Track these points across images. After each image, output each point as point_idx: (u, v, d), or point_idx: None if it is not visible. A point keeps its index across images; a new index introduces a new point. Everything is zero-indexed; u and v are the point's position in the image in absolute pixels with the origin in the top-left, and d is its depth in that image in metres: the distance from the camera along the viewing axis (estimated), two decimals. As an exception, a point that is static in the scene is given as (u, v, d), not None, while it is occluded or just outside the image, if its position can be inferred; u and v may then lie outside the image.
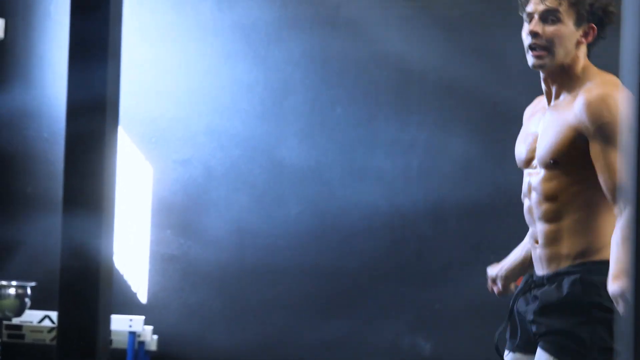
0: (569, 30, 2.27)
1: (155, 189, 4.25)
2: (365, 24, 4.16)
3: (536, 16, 2.28)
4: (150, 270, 4.25)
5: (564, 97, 2.31)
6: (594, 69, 2.32)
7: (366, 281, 4.14)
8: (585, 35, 2.29)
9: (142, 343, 4.11)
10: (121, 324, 4.05)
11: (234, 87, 4.23)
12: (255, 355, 4.18)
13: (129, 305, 4.17)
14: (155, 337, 4.19)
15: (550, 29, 2.27)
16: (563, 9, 2.27)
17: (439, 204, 4.09)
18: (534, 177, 2.33)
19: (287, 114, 4.21)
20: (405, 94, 4.16)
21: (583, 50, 2.31)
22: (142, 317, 4.11)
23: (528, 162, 2.37)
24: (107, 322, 1.16)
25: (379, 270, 4.14)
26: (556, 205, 2.27)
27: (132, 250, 4.24)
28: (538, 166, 2.32)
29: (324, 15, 4.18)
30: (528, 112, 2.51)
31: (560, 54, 2.26)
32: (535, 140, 2.35)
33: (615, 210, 2.19)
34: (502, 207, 4.02)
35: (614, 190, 2.17)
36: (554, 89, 2.33)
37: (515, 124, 3.90)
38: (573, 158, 2.24)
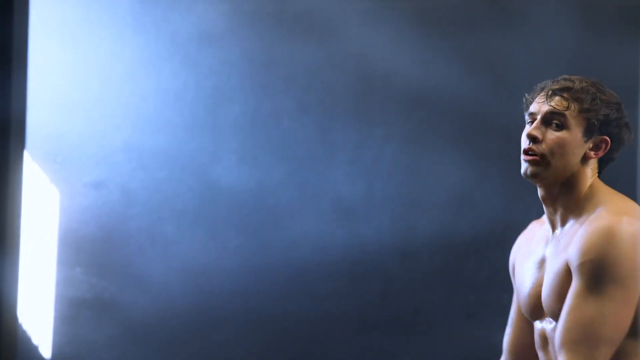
0: (575, 139, 2.28)
1: (62, 217, 4.23)
2: (318, 19, 4.18)
3: (539, 118, 2.30)
4: (55, 318, 4.22)
5: (571, 224, 2.29)
6: (606, 190, 2.30)
7: (320, 328, 4.15)
8: (596, 148, 2.30)
9: (46, 408, 4.09)
10: (20, 384, 4.02)
11: (158, 95, 4.24)
12: (185, 421, 4.16)
13: (29, 361, 4.14)
14: (63, 400, 4.18)
15: (552, 135, 2.28)
16: (571, 113, 2.28)
17: (408, 235, 4.11)
18: (547, 325, 2.30)
19: (223, 127, 4.22)
20: (367, 103, 4.18)
21: (592, 167, 2.31)
22: (47, 376, 4.09)
23: (536, 313, 2.33)
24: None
25: (335, 315, 4.15)
26: None
27: (33, 293, 4.20)
28: (549, 316, 2.29)
29: (268, 8, 4.20)
30: (521, 242, 2.47)
31: (559, 166, 2.27)
32: (539, 284, 2.32)
33: None
34: (484, 238, 4.05)
35: (567, 344, 2.14)
36: (558, 214, 2.32)
37: (500, 138, 4.00)
38: None
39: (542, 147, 2.27)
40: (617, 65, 3.99)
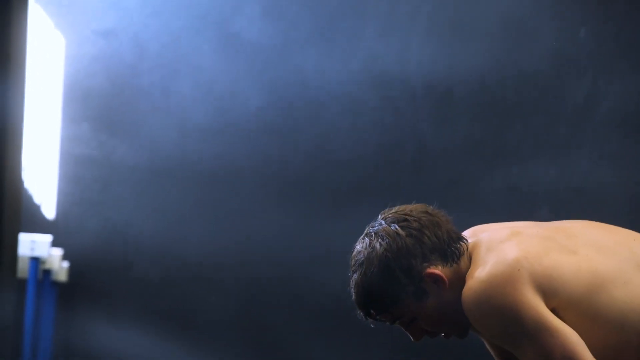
0: (424, 308, 2.30)
1: (68, 68, 4.20)
2: None
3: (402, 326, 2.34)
4: (60, 176, 4.24)
5: None
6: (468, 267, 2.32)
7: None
8: (436, 283, 2.30)
9: (47, 272, 4.07)
10: (20, 246, 3.92)
11: None
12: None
13: (30, 222, 4.13)
14: (66, 264, 4.18)
15: (423, 326, 2.32)
16: (396, 312, 2.29)
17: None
18: None
19: (248, -27, 4.15)
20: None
21: (450, 278, 2.30)
22: (49, 238, 4.07)
23: None
24: (14, 245, 1.14)
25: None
26: None
27: (36, 149, 4.17)
28: None
29: None
30: None
31: (456, 319, 2.30)
32: None
33: None
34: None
35: None
36: None
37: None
38: None
39: (434, 332, 2.34)
40: None
